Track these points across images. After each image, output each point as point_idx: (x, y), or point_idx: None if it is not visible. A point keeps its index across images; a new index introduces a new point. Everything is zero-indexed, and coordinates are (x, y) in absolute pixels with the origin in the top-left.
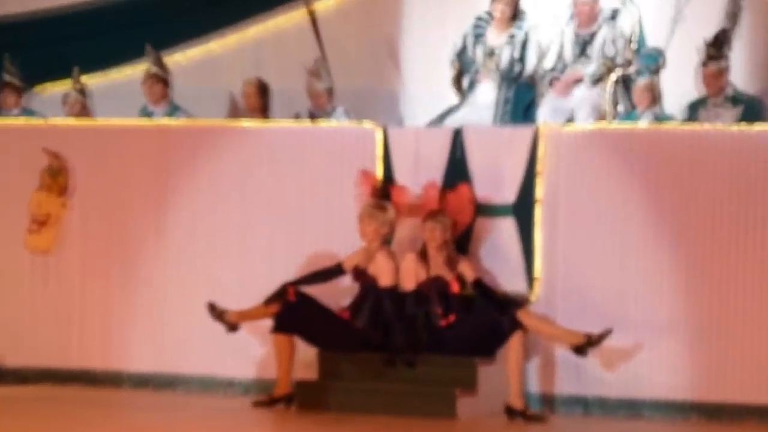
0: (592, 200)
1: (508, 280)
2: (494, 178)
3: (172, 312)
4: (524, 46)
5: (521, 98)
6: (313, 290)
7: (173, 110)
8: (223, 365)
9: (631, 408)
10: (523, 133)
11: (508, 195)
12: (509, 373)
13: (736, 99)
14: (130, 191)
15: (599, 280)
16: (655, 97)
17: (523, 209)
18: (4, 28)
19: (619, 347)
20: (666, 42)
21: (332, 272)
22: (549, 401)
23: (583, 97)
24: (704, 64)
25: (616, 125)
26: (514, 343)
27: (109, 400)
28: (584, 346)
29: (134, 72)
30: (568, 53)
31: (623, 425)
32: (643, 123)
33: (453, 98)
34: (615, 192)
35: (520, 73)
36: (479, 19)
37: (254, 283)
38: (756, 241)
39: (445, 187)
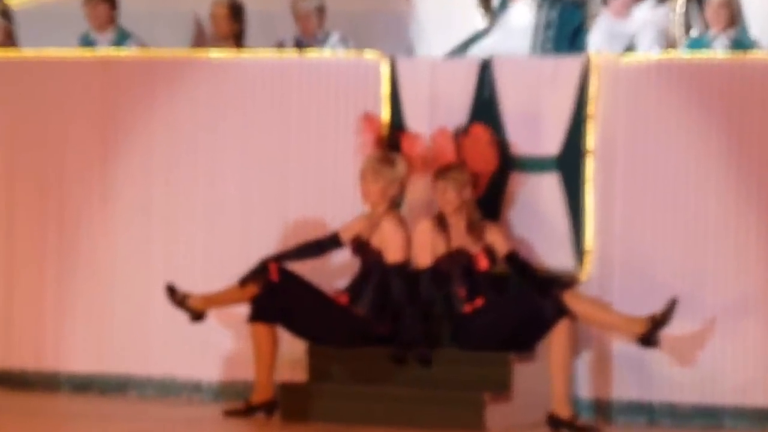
0: (659, 151)
1: (551, 253)
2: (533, 124)
3: (121, 298)
4: None
5: (567, 21)
6: (301, 268)
7: (122, 38)
8: (187, 364)
9: (709, 417)
10: (570, 65)
11: (551, 145)
12: (552, 373)
13: None
14: (67, 144)
15: (667, 252)
16: (733, 16)
17: (569, 163)
18: None
19: (693, 338)
20: None
21: (326, 244)
22: (604, 409)
23: (646, 19)
24: None
25: (689, 54)
26: (559, 334)
27: (42, 407)
28: (651, 332)
29: None
30: None
31: None
32: (720, 50)
33: (479, 22)
34: (687, 141)
35: None
36: None
37: (225, 259)
38: None
39: (457, 133)
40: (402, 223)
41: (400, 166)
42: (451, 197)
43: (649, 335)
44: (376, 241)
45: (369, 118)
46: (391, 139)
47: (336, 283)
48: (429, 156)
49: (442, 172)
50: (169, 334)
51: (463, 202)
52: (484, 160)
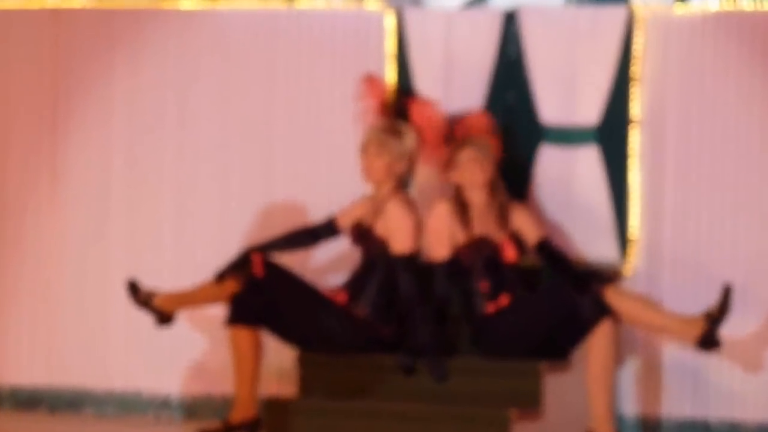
0: (716, 120)
1: (590, 241)
2: (567, 87)
3: (74, 297)
4: None
5: None
6: (290, 261)
7: None
8: (153, 376)
9: None
10: (611, 17)
11: (589, 113)
12: (591, 385)
13: None
14: (10, 110)
15: (727, 240)
16: None
17: (611, 134)
18: None
19: (757, 341)
20: None
21: (320, 232)
22: (652, 428)
23: None
24: None
25: (752, 4)
26: (600, 339)
27: None
28: (709, 332)
29: None
30: None
31: None
32: None
33: None
34: (751, 108)
35: None
36: None
37: (199, 250)
38: None
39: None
40: (411, 206)
41: (409, 138)
42: (479, 173)
43: (708, 336)
44: (380, 228)
45: (371, 81)
46: (398, 106)
47: (332, 279)
48: (445, 126)
49: (468, 139)
50: (131, 341)
51: (492, 180)
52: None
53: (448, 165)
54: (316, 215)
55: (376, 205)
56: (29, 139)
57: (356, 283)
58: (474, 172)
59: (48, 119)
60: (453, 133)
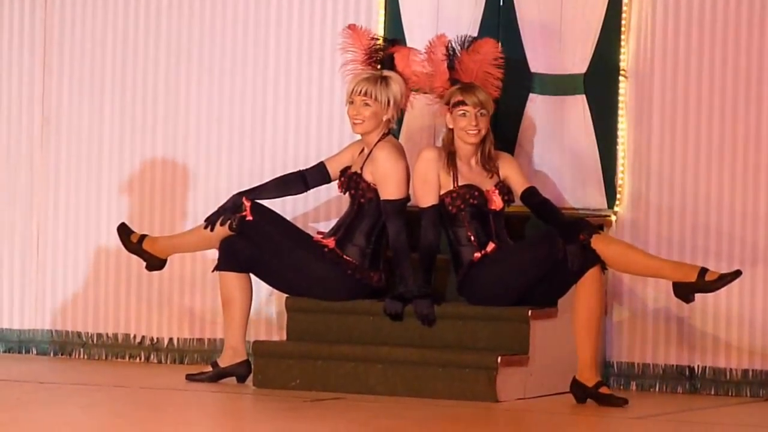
0: (705, 70)
1: (577, 190)
2: (555, 36)
3: (64, 243)
4: None
5: None
6: (278, 207)
7: None
8: (143, 321)
9: (762, 385)
10: None
11: (577, 61)
12: (578, 332)
13: None
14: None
15: (713, 189)
16: None
17: (599, 83)
18: None
19: (744, 291)
20: None
21: (309, 178)
22: (638, 375)
23: None
24: None
25: None
26: (587, 286)
27: None
28: (695, 286)
29: None
30: None
31: (750, 406)
32: None
33: None
34: (739, 58)
35: None
36: None
37: (188, 195)
38: None
39: (459, 46)
40: (400, 152)
41: (396, 85)
42: (483, 125)
43: (692, 288)
44: (369, 175)
45: (355, 30)
46: (385, 55)
47: (321, 226)
48: (431, 73)
49: (471, 90)
50: (121, 285)
51: (487, 131)
52: (487, 85)
53: (447, 105)
54: (305, 163)
55: (365, 153)
56: (19, 84)
57: (345, 229)
58: (469, 132)
59: (38, 64)
60: (460, 68)
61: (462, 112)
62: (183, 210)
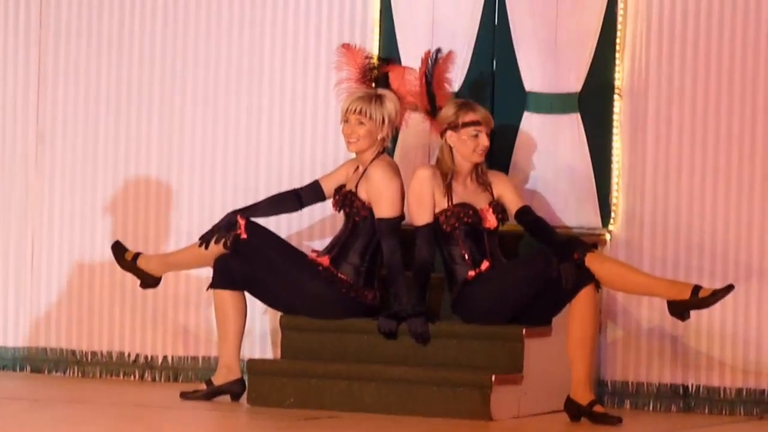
0: (700, 89)
1: (572, 209)
2: (550, 53)
3: (59, 260)
4: None
5: None
6: (272, 226)
7: None
8: (137, 338)
9: (755, 403)
10: None
11: (572, 80)
12: (572, 351)
13: None
14: None
15: (707, 208)
16: None
17: (594, 102)
18: None
19: (738, 311)
20: None
21: (304, 196)
22: (632, 394)
23: None
24: None
25: None
26: (581, 305)
27: None
28: (689, 304)
29: None
30: None
31: (744, 425)
32: None
33: None
34: (734, 76)
35: None
36: None
37: (183, 213)
38: None
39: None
40: (394, 170)
41: (390, 104)
42: (486, 144)
43: (687, 306)
44: (363, 193)
45: (349, 50)
46: (379, 73)
47: (316, 244)
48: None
49: (479, 110)
50: (116, 303)
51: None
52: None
53: (447, 124)
54: (300, 182)
55: (360, 170)
56: (13, 100)
57: (339, 248)
58: (474, 149)
59: (33, 76)
60: (434, 81)
61: (475, 132)
62: (177, 228)
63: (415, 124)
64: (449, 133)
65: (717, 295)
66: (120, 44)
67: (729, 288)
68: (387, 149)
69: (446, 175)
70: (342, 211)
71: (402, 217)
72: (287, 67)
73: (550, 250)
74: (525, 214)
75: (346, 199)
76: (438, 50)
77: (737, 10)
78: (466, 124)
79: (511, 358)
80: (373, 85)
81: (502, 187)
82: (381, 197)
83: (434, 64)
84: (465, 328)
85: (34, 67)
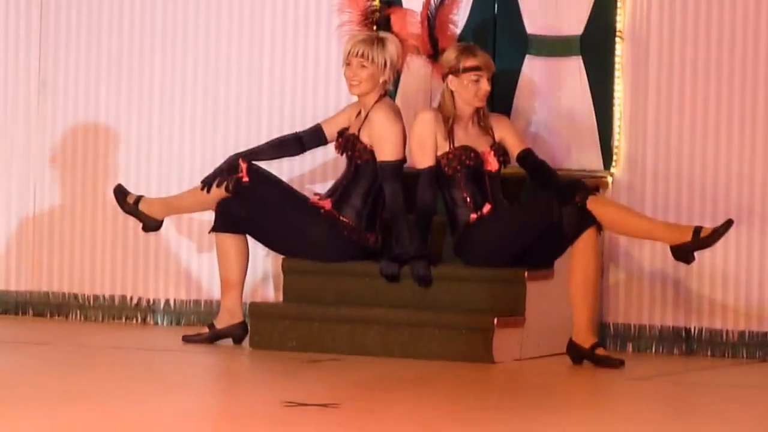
0: (701, 33)
1: (574, 152)
2: None
3: (61, 205)
4: None
5: None
6: (276, 169)
7: None
8: (140, 282)
9: (759, 347)
10: None
11: (573, 23)
12: (574, 294)
13: None
14: None
15: (709, 152)
16: None
17: (595, 45)
18: None
19: (741, 254)
20: None
21: (306, 140)
22: (634, 337)
23: None
24: None
25: None
26: (583, 247)
27: None
28: (691, 245)
29: None
30: None
31: (746, 368)
32: None
33: None
34: (736, 20)
35: None
36: None
37: (185, 157)
38: None
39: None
40: (396, 114)
41: (392, 47)
42: (487, 89)
43: (689, 248)
44: (365, 137)
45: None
46: (381, 17)
47: (318, 188)
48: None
49: (480, 55)
50: (118, 247)
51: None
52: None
53: (449, 68)
54: (302, 126)
55: (362, 114)
56: (15, 48)
57: (341, 191)
58: (476, 94)
59: (35, 26)
60: (437, 24)
61: (476, 77)
62: (180, 171)
63: (417, 67)
64: (450, 77)
65: (718, 232)
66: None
67: (728, 223)
68: (389, 92)
69: (448, 119)
70: (344, 155)
71: (404, 160)
72: (288, 10)
73: (551, 194)
74: (527, 156)
75: (348, 142)
76: None
77: None
78: (466, 69)
79: (513, 301)
80: (375, 28)
81: (503, 130)
82: (383, 140)
83: (438, 7)
84: (467, 271)
85: (36, 16)
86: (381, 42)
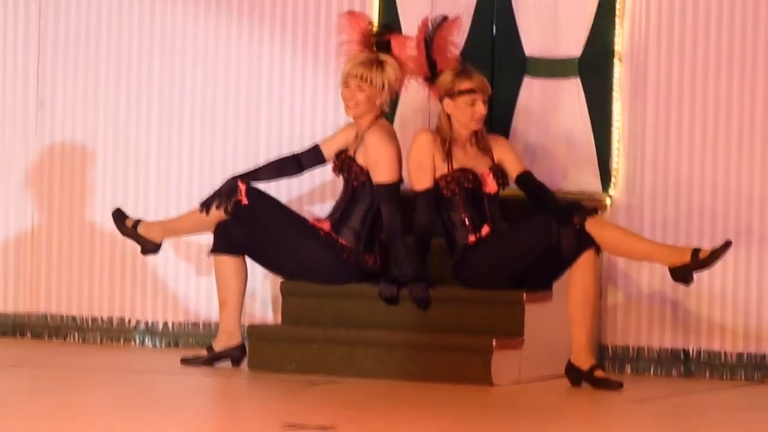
0: (700, 53)
1: (572, 174)
2: (550, 18)
3: (59, 226)
4: None
5: None
6: (270, 191)
7: None
8: (138, 304)
9: (756, 368)
10: None
11: (571, 44)
12: (572, 316)
13: None
14: None
15: (707, 172)
16: None
17: (594, 67)
18: None
19: (738, 274)
20: None
21: (304, 160)
22: (633, 358)
23: None
24: None
25: None
26: (582, 269)
27: None
28: (689, 267)
29: None
30: None
31: (745, 389)
32: None
33: None
34: (734, 41)
35: None
36: None
37: (184, 179)
38: None
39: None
40: (391, 136)
41: (391, 71)
42: (483, 112)
43: (688, 270)
44: (361, 159)
45: (353, 15)
46: (380, 39)
47: (317, 209)
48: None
49: (472, 76)
50: (116, 269)
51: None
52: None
53: (444, 91)
54: (300, 146)
55: (358, 136)
56: (13, 68)
57: (340, 213)
58: (472, 116)
59: (33, 43)
60: (434, 47)
61: (471, 100)
62: (178, 194)
63: (415, 89)
64: (446, 100)
65: (716, 253)
66: (120, 12)
67: (727, 244)
68: (385, 114)
69: (445, 140)
70: (341, 176)
71: (400, 181)
72: (287, 33)
73: (550, 215)
74: (526, 179)
75: (344, 164)
76: (444, 17)
77: None
78: (462, 92)
79: (512, 322)
80: (375, 49)
81: (502, 151)
82: (378, 163)
83: (436, 29)
84: (466, 292)
85: (34, 32)
86: (380, 64)
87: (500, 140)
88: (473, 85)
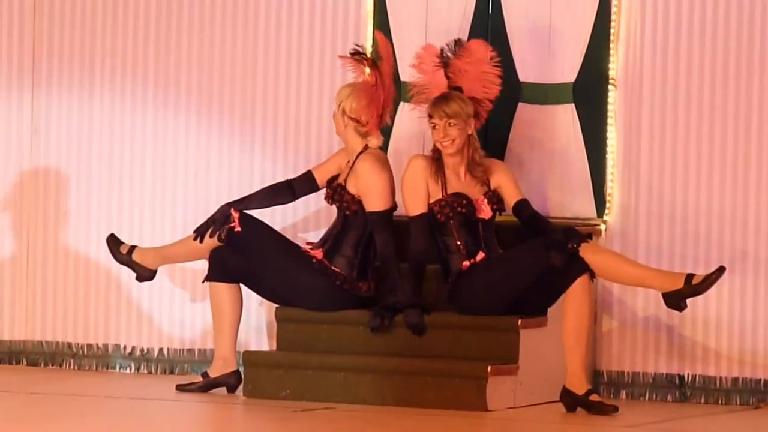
0: (694, 79)
1: (566, 199)
2: (543, 44)
3: (54, 254)
4: None
5: None
6: (269, 218)
7: None
8: (133, 331)
9: (751, 393)
10: None
11: (566, 70)
12: (567, 342)
13: None
14: None
15: (702, 199)
16: None
17: (588, 92)
18: None
19: (734, 300)
20: None
21: (296, 186)
22: (628, 384)
23: None
24: None
25: None
26: (576, 295)
27: None
28: (683, 292)
29: None
30: None
31: (740, 415)
32: None
33: None
34: (728, 67)
35: None
36: None
37: (178, 207)
38: None
39: (449, 51)
40: (382, 163)
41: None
42: (455, 136)
43: (681, 296)
44: (352, 187)
45: (382, 41)
46: (375, 64)
47: (309, 236)
48: (419, 83)
49: (439, 104)
50: (111, 296)
51: (466, 141)
52: (483, 85)
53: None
54: (294, 170)
55: (349, 162)
56: (9, 93)
57: (332, 241)
58: (443, 143)
59: (27, 72)
60: (454, 73)
61: (432, 125)
62: (173, 220)
63: (409, 114)
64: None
65: (710, 279)
66: (114, 40)
67: (721, 270)
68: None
69: (437, 164)
70: (333, 204)
71: (393, 208)
72: (281, 61)
73: (544, 241)
74: (522, 207)
75: (335, 192)
76: (457, 41)
77: (732, 1)
78: (429, 117)
79: (507, 348)
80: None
81: (501, 177)
82: (370, 191)
83: (450, 58)
84: (460, 318)
85: (28, 58)
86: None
87: (500, 166)
88: (431, 110)
